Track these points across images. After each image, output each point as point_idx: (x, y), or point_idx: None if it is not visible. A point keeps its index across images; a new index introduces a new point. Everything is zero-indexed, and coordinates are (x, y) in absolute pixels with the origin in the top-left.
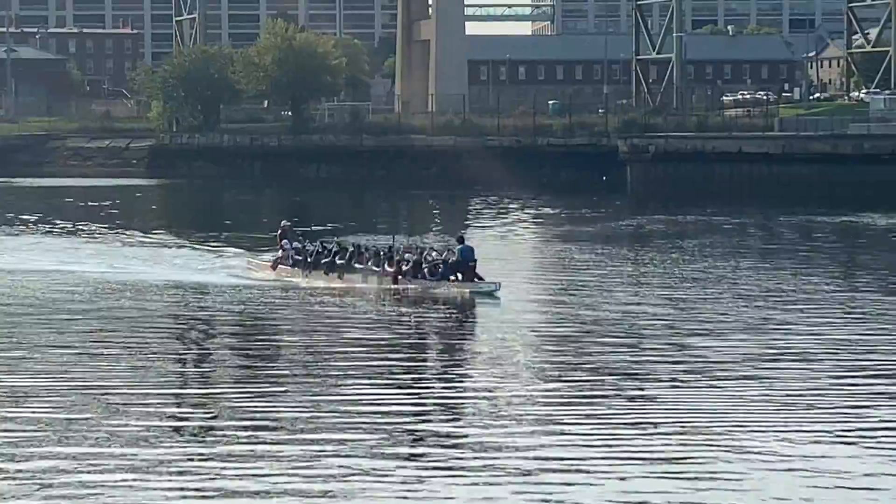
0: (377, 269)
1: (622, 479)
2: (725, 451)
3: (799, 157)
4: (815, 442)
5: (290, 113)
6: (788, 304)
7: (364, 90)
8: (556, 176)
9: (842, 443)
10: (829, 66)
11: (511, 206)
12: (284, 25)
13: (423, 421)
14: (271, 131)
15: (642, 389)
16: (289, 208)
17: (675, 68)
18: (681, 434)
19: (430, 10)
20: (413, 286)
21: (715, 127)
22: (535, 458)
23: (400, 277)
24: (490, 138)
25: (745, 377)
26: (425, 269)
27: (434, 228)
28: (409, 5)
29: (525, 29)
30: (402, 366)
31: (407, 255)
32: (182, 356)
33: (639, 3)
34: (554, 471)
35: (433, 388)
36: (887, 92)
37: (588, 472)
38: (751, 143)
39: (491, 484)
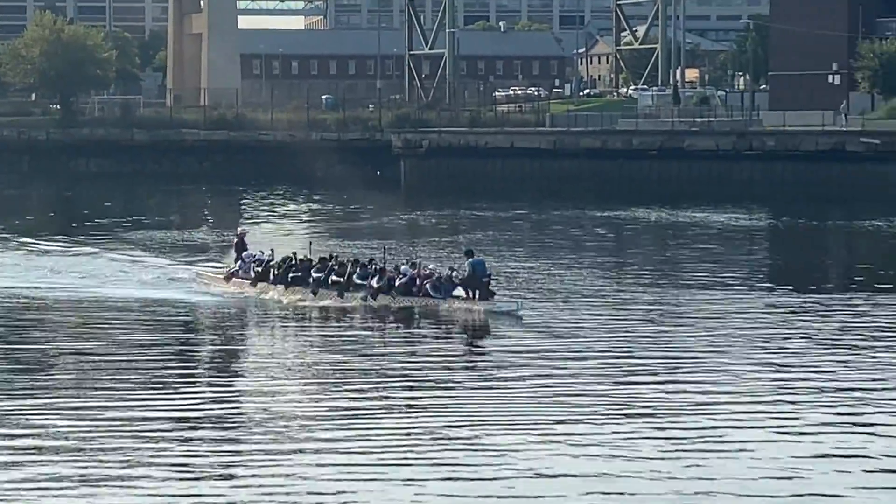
0: (362, 282)
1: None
2: None
3: (570, 152)
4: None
5: (58, 106)
6: (559, 299)
7: (135, 84)
8: (331, 170)
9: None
10: (599, 63)
11: (284, 200)
12: (52, 17)
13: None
14: (39, 125)
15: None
16: (58, 203)
17: (448, 64)
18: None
19: (201, 3)
20: (410, 303)
21: (487, 122)
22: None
23: (391, 294)
24: (263, 133)
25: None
26: (427, 285)
27: (209, 222)
28: None
29: (298, 23)
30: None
31: (403, 268)
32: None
33: None
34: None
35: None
36: (655, 88)
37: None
38: (523, 138)
39: None
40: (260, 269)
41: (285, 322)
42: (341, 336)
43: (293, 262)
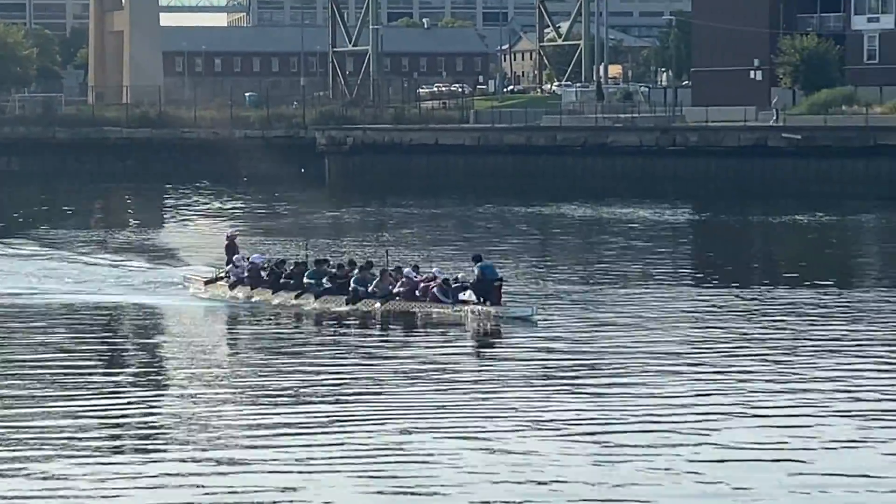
0: (361, 287)
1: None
2: None
3: (494, 148)
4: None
5: None
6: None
7: (56, 81)
8: (255, 168)
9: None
10: (522, 59)
11: (207, 198)
12: None
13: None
14: None
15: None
16: None
17: (372, 61)
18: None
19: (123, 0)
20: (416, 308)
21: (412, 119)
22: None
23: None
24: (186, 130)
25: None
26: (434, 290)
27: (132, 221)
28: None
29: (221, 20)
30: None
31: (406, 271)
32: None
33: None
34: None
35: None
36: (578, 84)
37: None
38: (447, 135)
39: None
40: (250, 274)
41: (285, 328)
42: (349, 343)
43: (287, 264)
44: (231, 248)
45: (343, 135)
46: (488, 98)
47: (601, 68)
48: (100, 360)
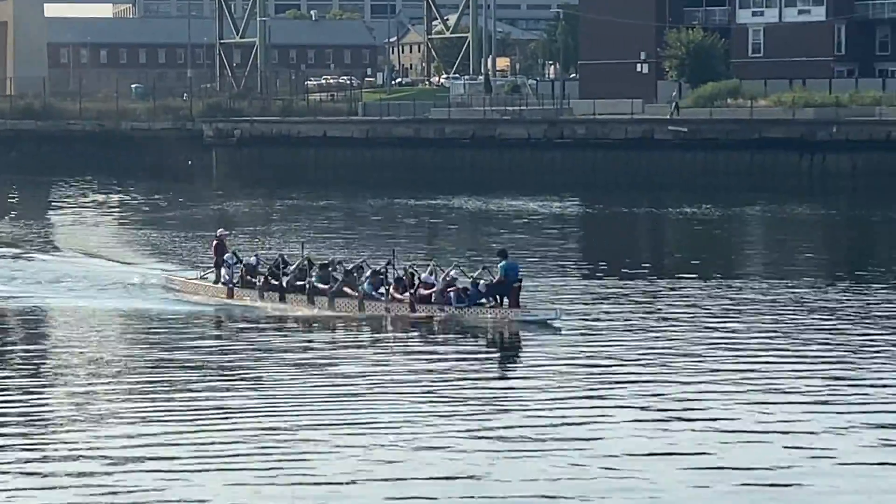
0: (373, 290)
1: None
2: None
3: (383, 141)
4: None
5: None
6: None
7: None
8: (141, 160)
9: None
10: (411, 52)
11: (93, 191)
12: None
13: None
14: None
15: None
16: None
17: (259, 52)
18: None
19: None
20: (428, 313)
21: (300, 111)
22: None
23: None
24: (72, 122)
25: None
26: (451, 293)
27: (14, 214)
28: None
29: (106, 11)
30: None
31: (424, 276)
32: None
33: None
34: None
35: None
36: (466, 77)
37: None
38: (335, 127)
39: None
40: (243, 276)
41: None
42: (358, 348)
43: (283, 265)
44: (220, 249)
45: (230, 127)
46: (377, 90)
47: (489, 61)
48: None
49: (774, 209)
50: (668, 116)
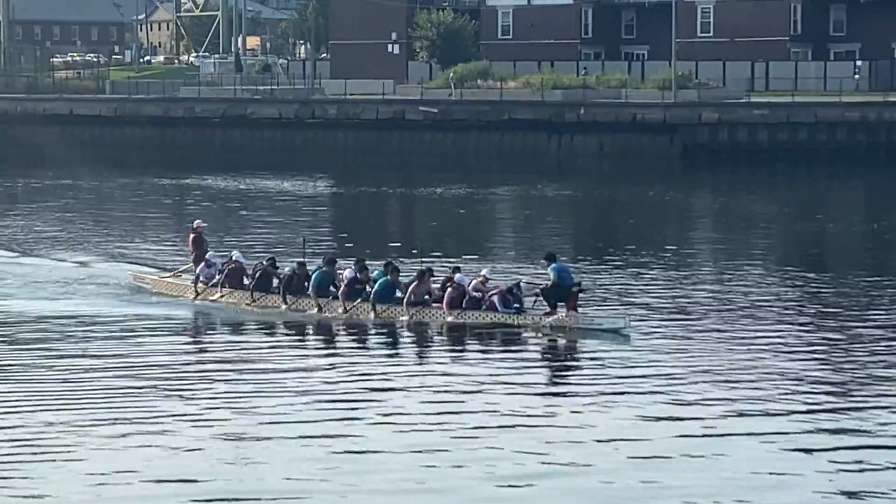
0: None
1: None
2: None
3: (132, 120)
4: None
5: None
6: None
7: None
8: None
9: None
10: (160, 30)
11: None
12: None
13: None
14: None
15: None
16: None
17: (3, 28)
18: None
19: None
20: (467, 319)
21: (45, 89)
22: None
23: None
24: None
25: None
26: (495, 298)
27: None
28: None
29: None
30: None
31: (458, 277)
32: None
33: None
34: None
35: None
36: (216, 56)
37: None
38: (82, 105)
39: None
40: (229, 275)
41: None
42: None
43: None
44: (198, 242)
45: None
46: (125, 68)
47: (239, 40)
48: None
49: (524, 189)
50: (448, 98)
